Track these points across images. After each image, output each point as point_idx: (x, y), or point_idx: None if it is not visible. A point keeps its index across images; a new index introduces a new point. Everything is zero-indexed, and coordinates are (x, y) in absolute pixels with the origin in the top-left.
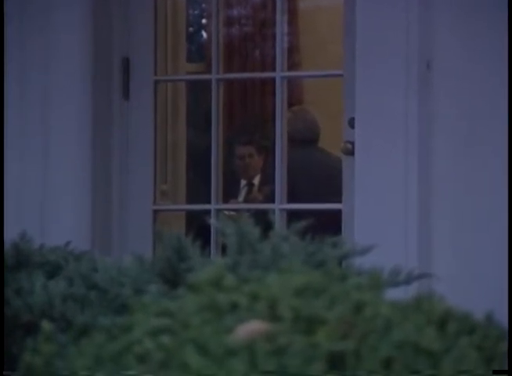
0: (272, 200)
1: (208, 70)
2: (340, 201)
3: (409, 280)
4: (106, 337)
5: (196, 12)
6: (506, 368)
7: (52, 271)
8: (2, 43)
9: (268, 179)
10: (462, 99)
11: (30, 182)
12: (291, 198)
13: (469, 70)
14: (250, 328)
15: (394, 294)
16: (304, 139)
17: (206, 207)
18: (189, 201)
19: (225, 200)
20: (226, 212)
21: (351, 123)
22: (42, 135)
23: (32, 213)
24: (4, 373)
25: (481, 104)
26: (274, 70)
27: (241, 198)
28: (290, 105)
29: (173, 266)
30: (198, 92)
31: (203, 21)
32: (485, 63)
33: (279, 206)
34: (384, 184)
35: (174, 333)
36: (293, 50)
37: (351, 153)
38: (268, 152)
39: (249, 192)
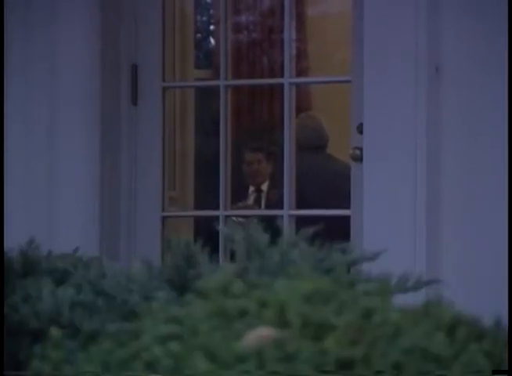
0: (281, 207)
1: (216, 77)
2: (348, 207)
3: (417, 286)
4: (114, 343)
5: (204, 18)
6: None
7: (60, 278)
8: (2, 43)
9: (277, 185)
10: (470, 104)
11: (38, 189)
12: (300, 204)
13: (476, 75)
14: (259, 334)
15: (402, 299)
16: (313, 146)
17: (214, 213)
18: (198, 207)
19: (234, 206)
20: (235, 218)
21: (360, 129)
22: (50, 141)
23: (40, 220)
24: (4, 373)
25: (488, 109)
26: (282, 76)
27: (250, 204)
28: (299, 111)
29: (181, 273)
30: (206, 98)
31: (211, 27)
32: (492, 66)
33: (288, 212)
34: (392, 190)
35: (183, 339)
36: (301, 56)
37: (359, 159)
38: (277, 158)
39: (257, 198)
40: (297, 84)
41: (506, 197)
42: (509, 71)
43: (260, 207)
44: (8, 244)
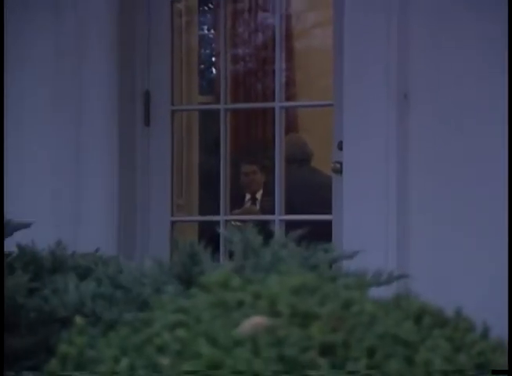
0: (273, 212)
1: (217, 101)
2: (330, 213)
3: (389, 281)
4: (130, 330)
5: (207, 51)
6: (476, 355)
7: (84, 273)
8: (2, 43)
9: (269, 194)
10: (435, 125)
11: (66, 197)
12: (289, 210)
13: (440, 100)
14: (254, 322)
15: (376, 292)
16: (299, 160)
17: (216, 218)
18: (201, 213)
19: (233, 212)
20: (233, 223)
21: (340, 146)
22: (77, 155)
23: (67, 224)
24: (4, 373)
25: (450, 127)
26: (273, 100)
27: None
28: (288, 130)
29: (187, 269)
30: (209, 119)
31: (213, 59)
32: (455, 91)
33: (279, 217)
34: (367, 198)
35: (189, 327)
36: (289, 84)
37: (339, 171)
38: (269, 170)
39: (252, 204)
40: (287, 108)
41: (473, 201)
42: (509, 71)
43: (254, 212)
44: (39, 245)
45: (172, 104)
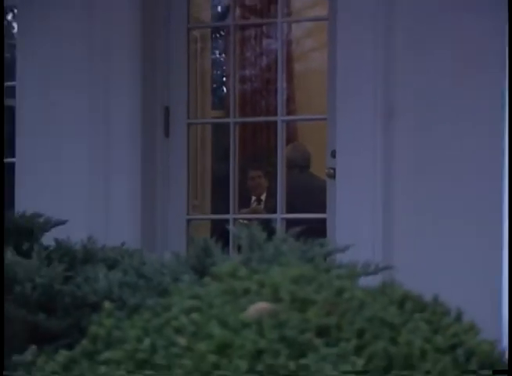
0: (275, 211)
1: (227, 115)
2: (325, 212)
3: (376, 271)
4: (151, 314)
5: (218, 72)
6: (451, 336)
7: (111, 264)
8: (2, 43)
9: (272, 196)
10: (417, 137)
11: (97, 200)
12: (289, 210)
13: (421, 113)
14: (259, 307)
15: (365, 281)
16: (299, 166)
17: (226, 216)
18: (213, 212)
19: (240, 211)
20: (241, 221)
21: (333, 154)
22: (105, 164)
23: (97, 222)
24: (4, 373)
25: (431, 137)
26: (276, 115)
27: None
28: (288, 141)
29: (201, 261)
30: (220, 131)
31: (224, 79)
32: (435, 107)
33: (280, 216)
34: (357, 200)
35: (202, 311)
36: (290, 100)
37: (333, 176)
38: (272, 175)
39: (258, 205)
40: (287, 121)
41: (449, 201)
42: (509, 73)
43: (259, 212)
44: (73, 239)
45: (188, 118)
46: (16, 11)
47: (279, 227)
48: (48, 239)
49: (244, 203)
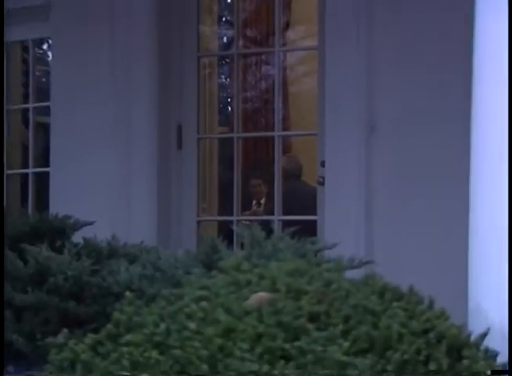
0: (273, 214)
1: (232, 131)
2: (315, 214)
3: (359, 265)
4: (166, 302)
5: (224, 94)
6: (424, 321)
7: (132, 259)
8: (2, 43)
9: (270, 200)
10: (394, 145)
11: (119, 203)
12: (285, 212)
13: (399, 129)
14: (259, 297)
15: (350, 274)
16: (293, 175)
17: (230, 218)
18: (220, 214)
19: (243, 213)
20: (243, 222)
21: (323, 164)
22: (126, 173)
23: (121, 222)
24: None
25: (407, 148)
26: (273, 130)
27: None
28: (284, 153)
29: (209, 257)
30: (225, 144)
31: (229, 100)
32: (408, 124)
33: (277, 217)
34: (343, 204)
35: (210, 300)
36: (285, 118)
37: (322, 184)
38: (270, 183)
39: (258, 208)
40: (283, 136)
41: (423, 205)
42: (509, 72)
43: (259, 214)
44: (99, 236)
45: (198, 133)
46: (50, 42)
47: (277, 227)
48: (77, 237)
49: (246, 206)
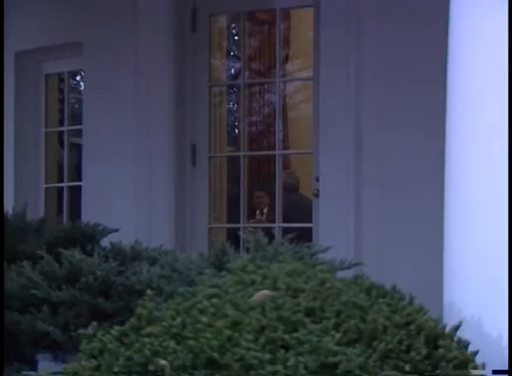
0: (274, 221)
1: (238, 150)
2: (311, 222)
3: (349, 266)
4: (182, 299)
5: (232, 118)
6: (405, 315)
7: (152, 261)
8: (2, 43)
9: (272, 210)
10: (380, 162)
11: (142, 213)
12: (285, 220)
13: (385, 150)
14: (262, 294)
15: (342, 274)
16: (292, 188)
17: (237, 225)
18: (228, 222)
19: (248, 221)
20: (249, 229)
21: (317, 179)
22: (148, 187)
23: (143, 229)
24: (3, 373)
25: (393, 169)
26: (275, 150)
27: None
28: (284, 168)
29: (219, 259)
30: (233, 162)
31: (236, 123)
32: (390, 140)
33: (278, 225)
34: (335, 213)
35: (220, 297)
36: (285, 139)
37: (317, 196)
38: (272, 194)
39: (261, 217)
40: (283, 155)
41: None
42: (509, 73)
43: (262, 222)
44: (125, 241)
45: (210, 152)
46: (83, 74)
47: (277, 233)
48: (105, 242)
49: (251, 215)
